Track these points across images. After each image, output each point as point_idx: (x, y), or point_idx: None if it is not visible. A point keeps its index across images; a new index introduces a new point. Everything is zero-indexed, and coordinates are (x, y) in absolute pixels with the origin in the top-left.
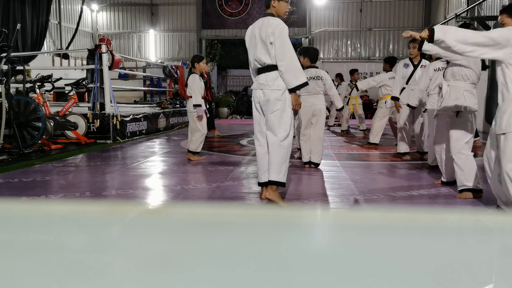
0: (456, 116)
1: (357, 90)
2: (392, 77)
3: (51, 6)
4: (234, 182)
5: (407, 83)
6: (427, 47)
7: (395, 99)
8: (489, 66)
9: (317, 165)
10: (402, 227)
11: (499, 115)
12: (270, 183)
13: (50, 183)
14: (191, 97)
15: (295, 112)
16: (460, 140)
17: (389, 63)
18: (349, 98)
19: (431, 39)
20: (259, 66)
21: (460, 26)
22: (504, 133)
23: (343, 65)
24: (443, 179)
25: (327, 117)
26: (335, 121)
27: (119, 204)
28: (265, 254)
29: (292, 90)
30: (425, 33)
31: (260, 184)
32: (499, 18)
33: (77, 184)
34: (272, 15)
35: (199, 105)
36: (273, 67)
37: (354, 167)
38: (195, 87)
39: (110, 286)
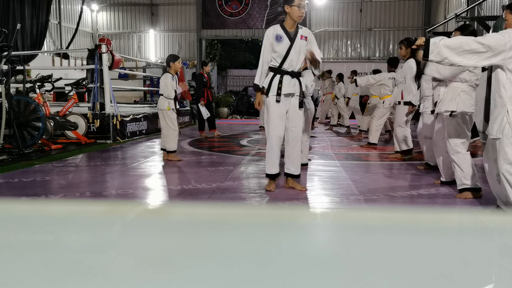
0: (450, 116)
1: (356, 85)
2: (393, 77)
3: (51, 6)
4: (234, 182)
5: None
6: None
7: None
8: (487, 68)
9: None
10: (402, 227)
11: (491, 121)
12: None
13: (50, 183)
14: (161, 94)
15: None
16: (456, 140)
17: (391, 63)
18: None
19: (426, 51)
20: None
21: (460, 27)
22: (495, 138)
23: (343, 65)
24: (442, 179)
25: (328, 117)
26: (337, 122)
27: (119, 204)
28: (265, 254)
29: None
30: (420, 41)
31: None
32: (503, 13)
33: (77, 184)
34: (282, 21)
35: (175, 94)
36: None
37: (354, 167)
38: (167, 85)
39: (110, 286)
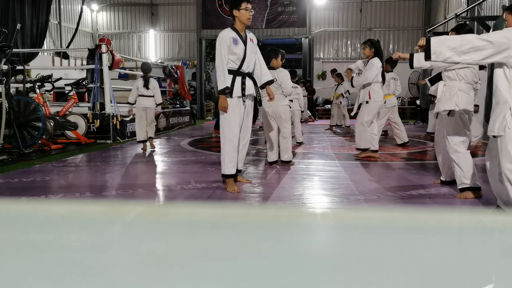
0: (448, 115)
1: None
2: (394, 78)
3: (51, 6)
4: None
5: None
6: (420, 63)
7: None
8: (486, 66)
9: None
10: (402, 227)
11: (492, 118)
12: None
13: (50, 183)
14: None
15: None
16: (455, 139)
17: (390, 63)
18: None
19: (427, 52)
20: None
21: (456, 27)
22: (497, 136)
23: (343, 65)
24: (443, 179)
25: (329, 117)
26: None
27: (119, 204)
28: (265, 254)
29: (219, 93)
30: (422, 41)
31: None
32: (503, 15)
33: (77, 184)
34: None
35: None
36: None
37: (354, 167)
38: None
39: (110, 286)
